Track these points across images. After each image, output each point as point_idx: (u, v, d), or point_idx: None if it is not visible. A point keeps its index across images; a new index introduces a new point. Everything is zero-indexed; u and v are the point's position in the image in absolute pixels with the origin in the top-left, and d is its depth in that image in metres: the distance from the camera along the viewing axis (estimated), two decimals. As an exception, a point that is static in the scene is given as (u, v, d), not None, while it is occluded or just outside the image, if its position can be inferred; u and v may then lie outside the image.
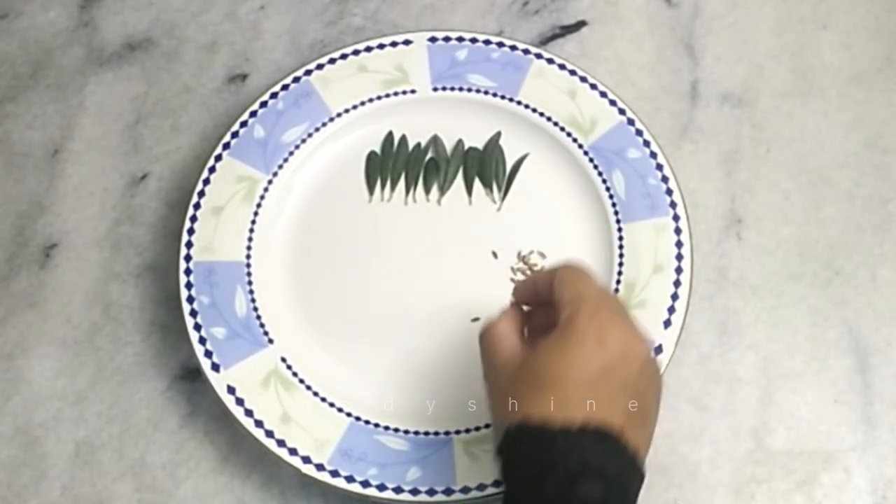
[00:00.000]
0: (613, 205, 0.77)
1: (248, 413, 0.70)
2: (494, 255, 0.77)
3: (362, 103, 0.81)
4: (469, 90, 0.81)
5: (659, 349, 0.72)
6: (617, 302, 0.62)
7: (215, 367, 0.71)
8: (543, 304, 0.62)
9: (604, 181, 0.78)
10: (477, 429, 0.71)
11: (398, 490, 0.68)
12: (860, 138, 0.83)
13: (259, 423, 0.70)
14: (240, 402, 0.70)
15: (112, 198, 0.81)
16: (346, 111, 0.81)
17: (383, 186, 0.80)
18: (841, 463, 0.72)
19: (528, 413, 0.56)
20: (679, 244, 0.75)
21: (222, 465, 0.72)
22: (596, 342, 0.58)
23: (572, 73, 0.81)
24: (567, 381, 0.57)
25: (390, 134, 0.81)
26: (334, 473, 0.68)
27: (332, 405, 0.71)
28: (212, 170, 0.78)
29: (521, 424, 0.56)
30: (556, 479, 0.54)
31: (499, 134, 0.81)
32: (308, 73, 0.81)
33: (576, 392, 0.57)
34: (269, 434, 0.70)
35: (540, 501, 0.54)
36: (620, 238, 0.76)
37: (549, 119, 0.80)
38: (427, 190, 0.79)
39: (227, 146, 0.78)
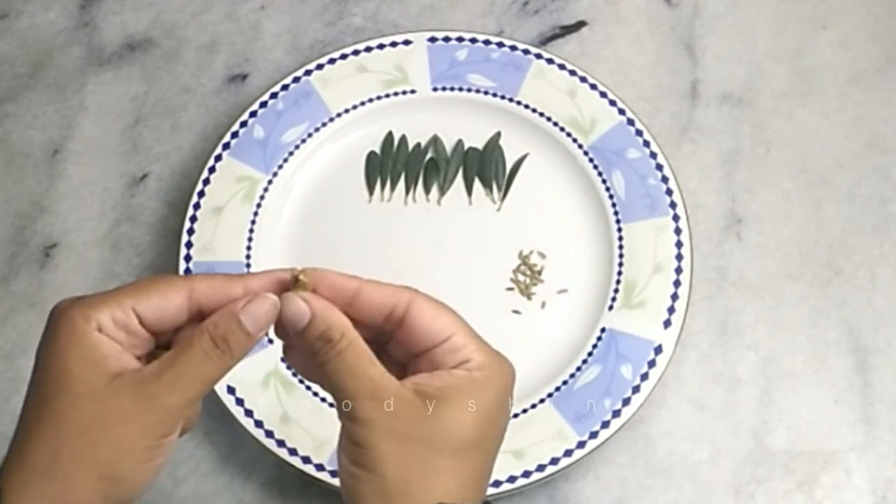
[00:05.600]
0: (613, 205, 0.77)
1: (248, 413, 0.70)
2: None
3: (362, 103, 0.81)
4: (469, 90, 0.81)
5: (659, 349, 0.72)
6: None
7: (215, 367, 0.71)
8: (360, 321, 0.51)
9: (604, 181, 0.78)
10: (477, 429, 0.70)
11: (398, 490, 0.68)
12: (860, 138, 0.82)
13: (259, 423, 0.70)
14: (240, 402, 0.70)
15: (112, 198, 0.81)
16: (346, 111, 0.81)
17: (383, 186, 0.80)
18: (841, 463, 0.72)
19: (449, 490, 0.48)
20: (679, 244, 0.75)
21: (222, 465, 0.72)
22: (507, 409, 0.51)
23: (572, 73, 0.81)
24: (486, 455, 0.50)
25: (390, 134, 0.81)
26: (334, 473, 0.68)
27: (332, 405, 0.71)
28: (212, 170, 0.78)
29: None
30: None
31: (499, 134, 0.81)
32: (308, 73, 0.81)
33: (488, 467, 0.51)
34: (269, 434, 0.70)
35: None
36: (620, 238, 0.76)
37: (548, 119, 0.80)
38: (427, 190, 0.79)
39: (227, 146, 0.78)
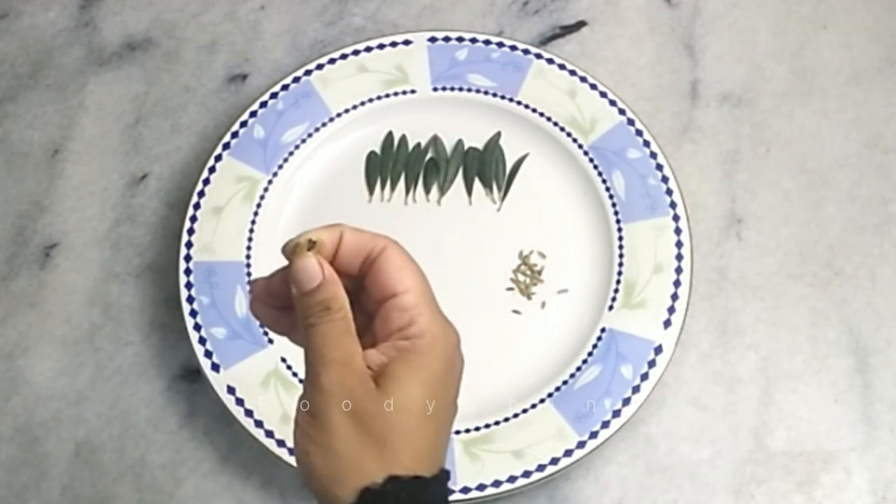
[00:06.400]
0: (613, 205, 0.77)
1: (248, 413, 0.70)
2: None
3: (362, 103, 0.81)
4: (469, 90, 0.81)
5: (659, 349, 0.72)
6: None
7: (215, 368, 0.71)
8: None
9: (604, 181, 0.78)
10: (477, 429, 0.70)
11: (398, 490, 0.68)
12: (860, 138, 0.82)
13: (259, 423, 0.70)
14: (240, 402, 0.70)
15: (112, 198, 0.81)
16: (346, 111, 0.81)
17: (383, 186, 0.80)
18: (841, 463, 0.72)
19: (402, 464, 0.48)
20: (679, 244, 0.75)
21: (222, 466, 0.72)
22: (454, 375, 0.52)
23: (572, 73, 0.81)
24: (438, 426, 0.50)
25: (390, 134, 0.81)
26: (334, 473, 0.68)
27: (332, 405, 0.71)
28: (212, 170, 0.78)
29: (399, 478, 0.48)
30: None
31: (499, 134, 0.81)
32: (308, 73, 0.81)
33: (442, 436, 0.51)
34: (269, 434, 0.70)
35: None
36: (620, 238, 0.76)
37: (549, 119, 0.80)
38: (427, 190, 0.79)
39: (227, 146, 0.78)
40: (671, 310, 0.73)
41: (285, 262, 0.50)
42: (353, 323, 0.50)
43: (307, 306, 0.50)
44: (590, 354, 0.72)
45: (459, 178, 0.80)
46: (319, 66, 0.81)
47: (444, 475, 0.50)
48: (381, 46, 0.82)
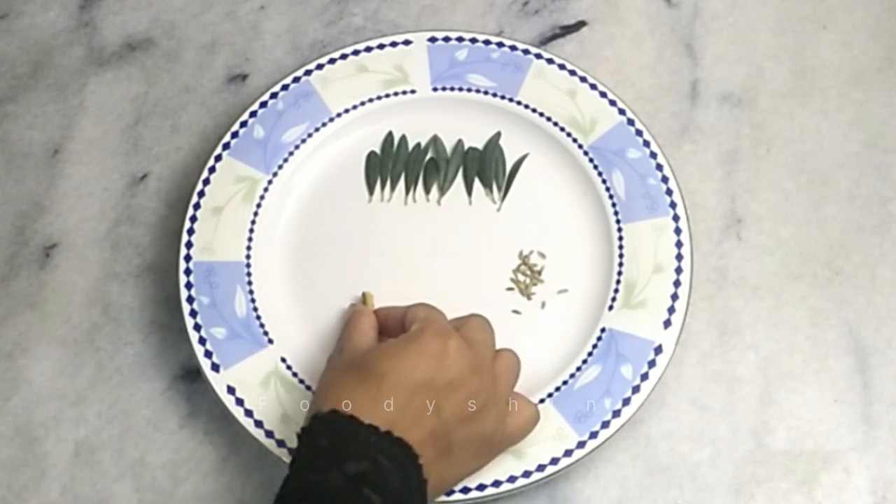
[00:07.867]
0: (613, 205, 0.77)
1: (248, 413, 0.70)
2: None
3: (362, 103, 0.81)
4: (469, 90, 0.81)
5: (659, 349, 0.72)
6: (480, 347, 0.66)
7: (215, 368, 0.71)
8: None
9: (604, 181, 0.78)
10: (477, 429, 0.70)
11: (398, 490, 0.68)
12: (860, 138, 0.83)
13: (259, 423, 0.70)
14: (240, 402, 0.70)
15: (112, 198, 0.81)
16: (346, 111, 0.81)
17: (383, 186, 0.80)
18: (841, 463, 0.72)
19: (343, 402, 0.59)
20: (679, 244, 0.75)
21: (222, 465, 0.72)
22: (431, 357, 0.62)
23: (572, 73, 0.81)
24: (387, 381, 0.60)
25: (390, 134, 0.81)
26: (334, 473, 0.68)
27: (332, 405, 0.71)
28: (212, 170, 0.78)
29: (332, 412, 0.59)
30: (342, 476, 0.55)
31: (499, 134, 0.81)
32: (308, 73, 0.81)
33: (391, 393, 0.60)
34: (269, 434, 0.70)
35: (319, 494, 0.56)
36: (620, 238, 0.76)
37: (549, 119, 0.80)
38: (427, 190, 0.79)
39: (227, 146, 0.78)
40: (671, 310, 0.73)
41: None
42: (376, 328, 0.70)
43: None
44: (590, 354, 0.73)
45: (459, 178, 0.80)
46: (319, 66, 0.81)
47: (399, 444, 0.58)
48: (381, 46, 0.82)
